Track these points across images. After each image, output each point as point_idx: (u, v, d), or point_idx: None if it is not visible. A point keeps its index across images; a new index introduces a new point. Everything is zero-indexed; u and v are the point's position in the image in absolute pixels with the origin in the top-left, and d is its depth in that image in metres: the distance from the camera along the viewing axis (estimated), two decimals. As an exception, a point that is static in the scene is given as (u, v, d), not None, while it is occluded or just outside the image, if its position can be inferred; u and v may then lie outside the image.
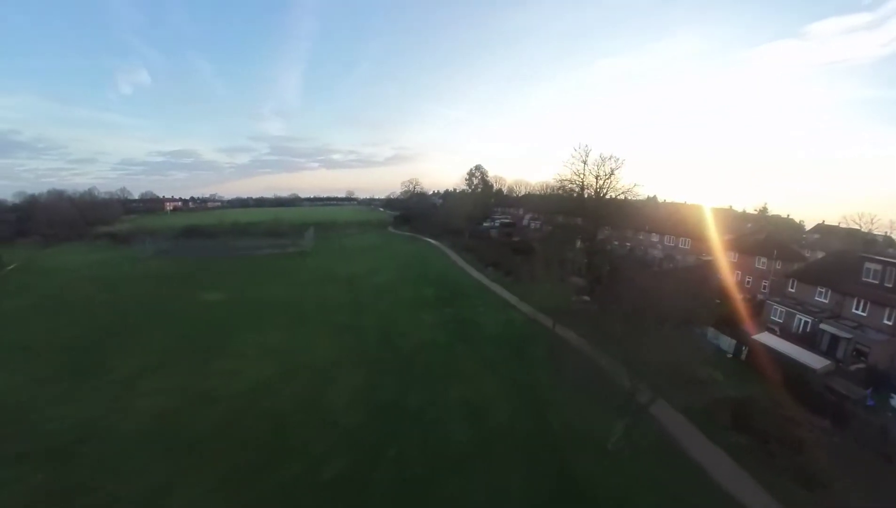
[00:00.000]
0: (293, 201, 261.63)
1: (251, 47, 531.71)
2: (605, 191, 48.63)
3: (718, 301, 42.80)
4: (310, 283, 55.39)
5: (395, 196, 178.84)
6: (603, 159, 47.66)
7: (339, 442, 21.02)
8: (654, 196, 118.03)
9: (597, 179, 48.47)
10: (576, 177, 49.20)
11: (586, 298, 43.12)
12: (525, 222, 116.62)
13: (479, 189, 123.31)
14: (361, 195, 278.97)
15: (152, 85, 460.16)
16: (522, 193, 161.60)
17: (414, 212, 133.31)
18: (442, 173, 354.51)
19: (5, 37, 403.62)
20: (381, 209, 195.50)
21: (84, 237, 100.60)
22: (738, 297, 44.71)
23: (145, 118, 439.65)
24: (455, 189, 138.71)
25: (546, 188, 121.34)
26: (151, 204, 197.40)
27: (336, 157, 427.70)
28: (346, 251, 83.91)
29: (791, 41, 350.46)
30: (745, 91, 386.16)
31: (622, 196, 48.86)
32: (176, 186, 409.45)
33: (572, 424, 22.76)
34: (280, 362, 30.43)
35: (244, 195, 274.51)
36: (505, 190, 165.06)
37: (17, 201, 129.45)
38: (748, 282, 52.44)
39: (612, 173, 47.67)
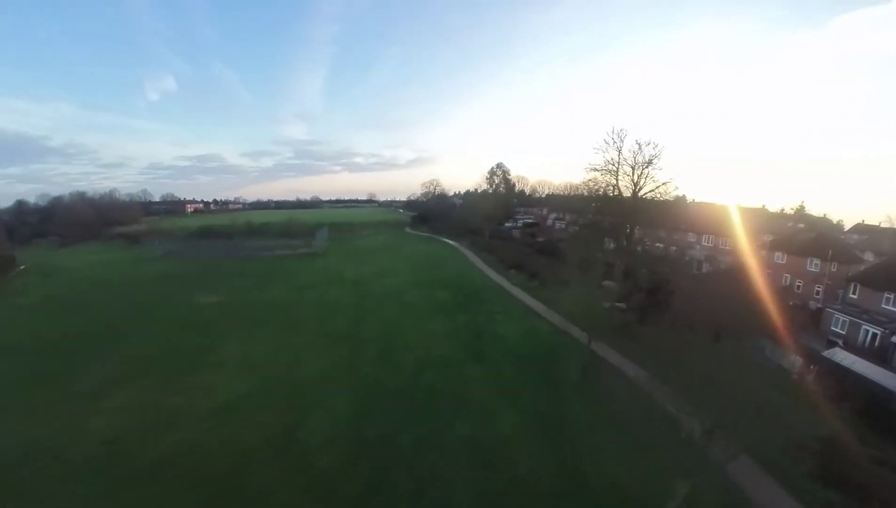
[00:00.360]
0: (313, 204, 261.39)
1: (274, 53, 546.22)
2: (641, 183, 42.40)
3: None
4: (314, 285, 51.51)
5: (416, 197, 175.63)
6: (640, 146, 41.52)
7: (307, 493, 16.24)
8: (684, 195, 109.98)
9: (633, 168, 42.35)
10: (609, 166, 43.13)
11: (622, 305, 37.34)
12: (549, 222, 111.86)
13: (501, 188, 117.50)
14: (383, 198, 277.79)
15: (178, 92, 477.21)
16: (545, 193, 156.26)
17: (433, 212, 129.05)
18: (463, 175, 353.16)
19: (37, 48, 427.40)
20: (401, 210, 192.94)
21: (100, 238, 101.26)
22: (788, 304, 39.03)
23: (172, 124, 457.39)
24: (476, 189, 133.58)
25: (570, 188, 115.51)
26: (172, 206, 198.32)
27: (358, 160, 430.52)
28: (359, 252, 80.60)
29: (810, 34, 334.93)
30: (759, 89, 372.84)
31: (661, 188, 42.46)
32: (201, 190, 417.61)
33: (616, 478, 17.13)
34: (260, 378, 26.10)
35: (267, 198, 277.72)
36: (528, 190, 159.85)
37: (40, 203, 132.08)
38: (798, 287, 47.17)
39: (650, 162, 41.50)
